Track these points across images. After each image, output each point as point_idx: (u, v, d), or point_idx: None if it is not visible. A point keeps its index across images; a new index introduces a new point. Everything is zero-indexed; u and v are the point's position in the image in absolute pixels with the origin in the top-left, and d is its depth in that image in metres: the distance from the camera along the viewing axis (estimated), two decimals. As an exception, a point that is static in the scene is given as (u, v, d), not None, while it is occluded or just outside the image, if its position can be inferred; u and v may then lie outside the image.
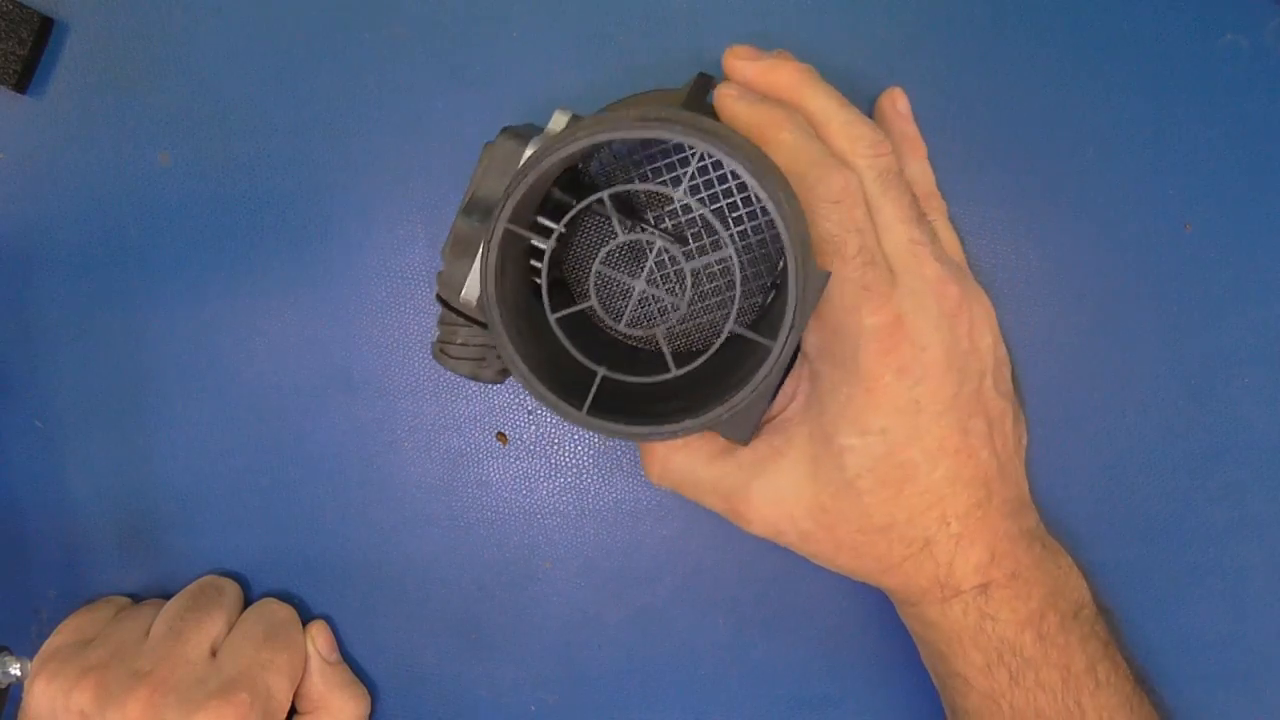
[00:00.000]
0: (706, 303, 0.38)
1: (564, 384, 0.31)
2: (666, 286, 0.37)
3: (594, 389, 0.30)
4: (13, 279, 0.46)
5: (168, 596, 0.44)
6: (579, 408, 0.30)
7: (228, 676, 0.40)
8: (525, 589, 0.45)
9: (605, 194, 0.30)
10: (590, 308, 0.32)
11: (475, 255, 0.34)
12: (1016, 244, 0.43)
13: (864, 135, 0.36)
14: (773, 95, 0.37)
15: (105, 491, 0.46)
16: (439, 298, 0.37)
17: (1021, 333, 0.42)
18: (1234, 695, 0.43)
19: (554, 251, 0.31)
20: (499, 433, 0.45)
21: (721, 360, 0.33)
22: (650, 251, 0.32)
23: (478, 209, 0.34)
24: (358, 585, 0.46)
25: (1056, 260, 0.43)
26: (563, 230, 0.30)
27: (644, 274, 0.31)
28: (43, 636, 0.43)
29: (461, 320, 0.36)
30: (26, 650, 0.45)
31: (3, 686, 0.45)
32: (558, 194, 0.35)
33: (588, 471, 0.45)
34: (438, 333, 0.38)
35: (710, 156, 0.31)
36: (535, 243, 0.31)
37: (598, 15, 0.43)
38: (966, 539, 0.37)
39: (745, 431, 0.36)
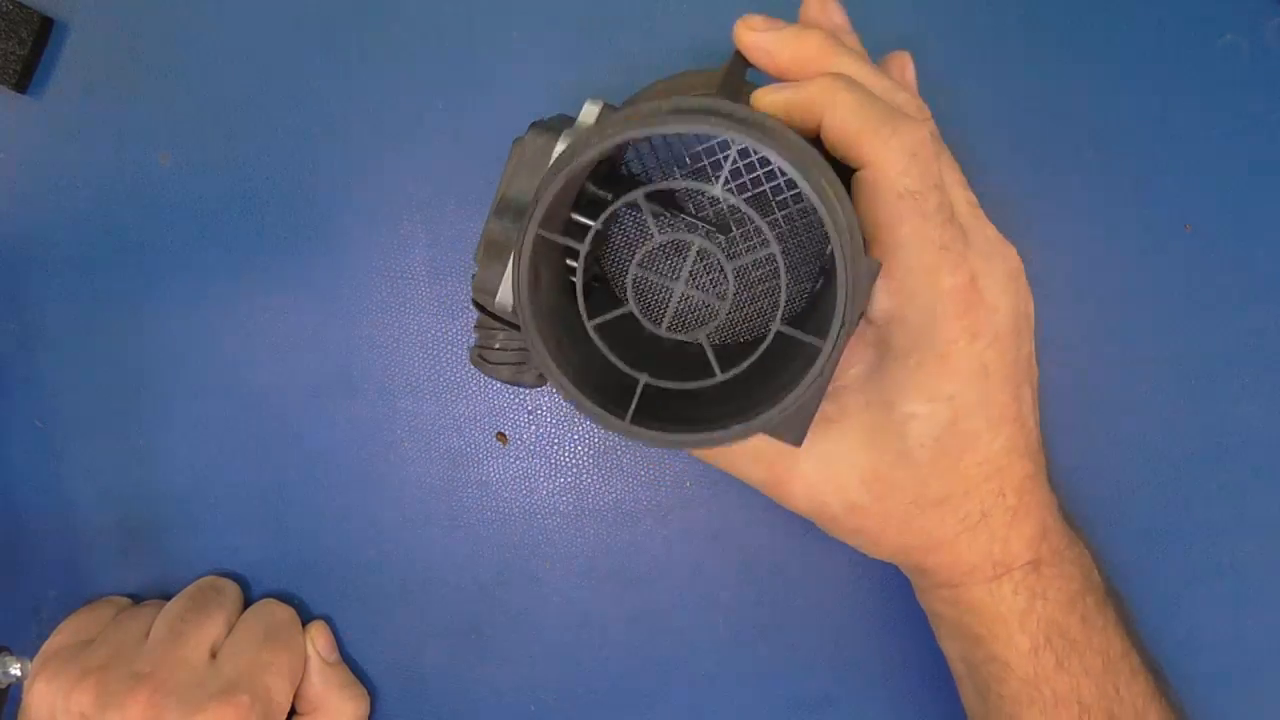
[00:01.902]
0: (753, 292, 0.35)
1: (605, 389, 0.30)
2: (709, 279, 0.35)
3: (636, 397, 0.29)
4: (13, 279, 0.46)
5: (168, 597, 0.44)
6: (621, 417, 0.29)
7: (227, 678, 0.40)
8: (525, 589, 0.45)
9: (639, 194, 0.28)
10: (626, 313, 0.30)
11: (508, 259, 0.33)
12: (1017, 244, 0.43)
13: (908, 100, 0.35)
14: (800, 68, 0.34)
15: (105, 492, 0.46)
16: (475, 303, 0.36)
17: (1021, 333, 0.42)
18: (1234, 695, 0.43)
19: (591, 248, 0.30)
20: (499, 433, 0.45)
21: (770, 357, 0.31)
22: (690, 251, 0.30)
23: (509, 210, 0.33)
24: (358, 585, 0.46)
25: (1056, 260, 0.43)
26: (599, 227, 0.29)
27: (684, 276, 0.30)
28: (43, 636, 0.43)
29: (499, 324, 0.35)
30: (26, 650, 0.45)
31: (3, 686, 0.45)
32: (593, 189, 0.33)
33: (588, 471, 0.45)
34: (475, 338, 0.37)
35: (752, 149, 0.29)
36: (570, 245, 0.29)
37: (597, 15, 0.43)
38: (1021, 512, 0.35)
39: (799, 432, 0.33)
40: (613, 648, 0.45)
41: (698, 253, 0.30)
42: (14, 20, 0.43)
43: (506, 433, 0.45)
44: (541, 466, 0.45)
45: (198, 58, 0.45)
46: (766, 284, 0.35)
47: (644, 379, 0.29)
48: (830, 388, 0.36)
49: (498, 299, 0.34)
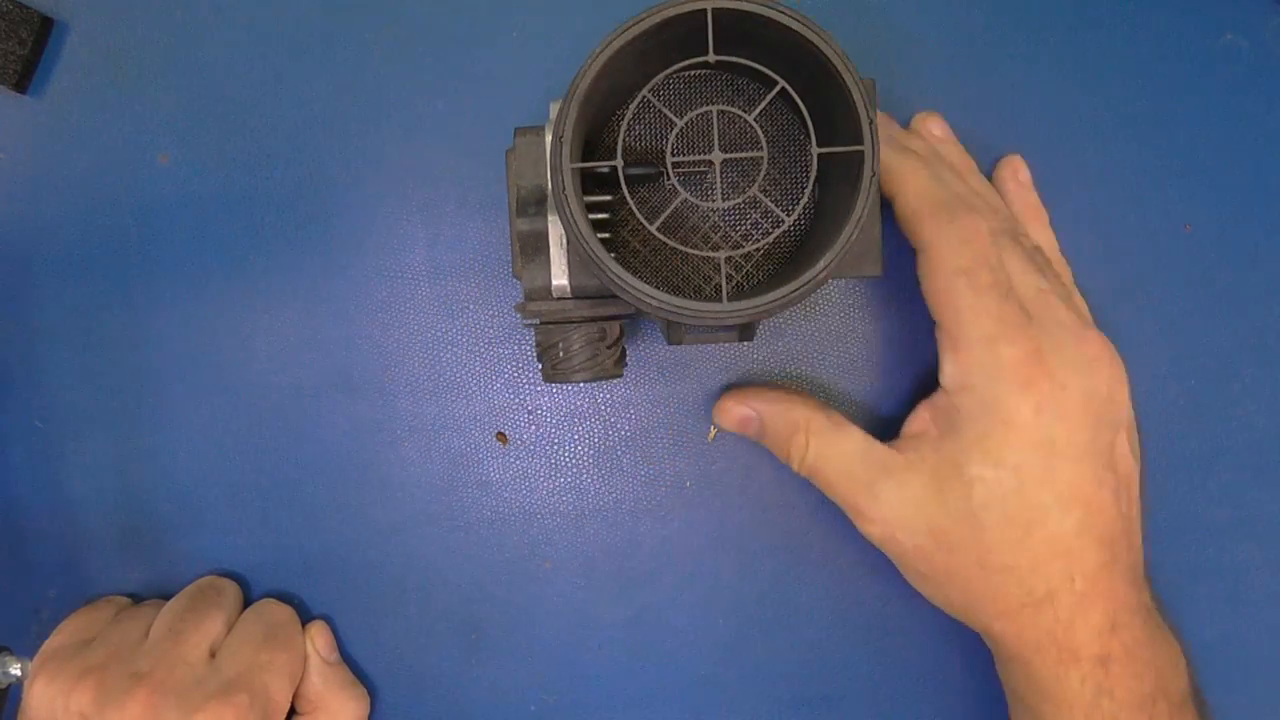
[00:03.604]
0: (783, 143, 0.36)
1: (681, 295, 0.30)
2: (740, 142, 0.35)
3: (723, 273, 0.30)
4: (13, 279, 0.46)
5: (168, 596, 0.44)
6: (718, 300, 0.29)
7: (226, 678, 0.40)
8: (525, 589, 0.45)
9: (646, 91, 0.30)
10: (682, 200, 0.31)
11: (548, 248, 0.34)
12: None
13: (980, 193, 0.40)
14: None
15: (105, 491, 0.46)
16: (529, 325, 0.37)
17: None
18: (1234, 695, 0.43)
19: (604, 222, 0.31)
20: (499, 433, 0.45)
21: (824, 206, 0.32)
22: (713, 118, 0.32)
23: (530, 203, 0.34)
24: (358, 585, 0.46)
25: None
26: (626, 127, 0.30)
27: (716, 143, 0.31)
28: (43, 636, 0.43)
29: (555, 326, 0.36)
30: (26, 650, 0.45)
31: (3, 686, 0.45)
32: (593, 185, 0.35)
33: (588, 471, 0.45)
34: (541, 361, 0.37)
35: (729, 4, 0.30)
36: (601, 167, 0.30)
37: (597, 15, 0.44)
38: (1089, 600, 0.36)
39: (874, 260, 0.34)
40: (613, 648, 0.45)
41: (719, 116, 0.32)
42: (14, 20, 0.43)
43: (506, 433, 0.45)
44: (541, 466, 0.45)
45: (198, 58, 0.45)
46: (791, 134, 0.35)
47: (724, 254, 0.30)
48: (915, 436, 0.38)
49: (554, 284, 0.34)
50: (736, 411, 0.41)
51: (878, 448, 0.39)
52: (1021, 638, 0.36)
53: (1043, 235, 0.42)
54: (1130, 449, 0.39)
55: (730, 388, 0.44)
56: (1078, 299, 0.41)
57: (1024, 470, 0.35)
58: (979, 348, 0.35)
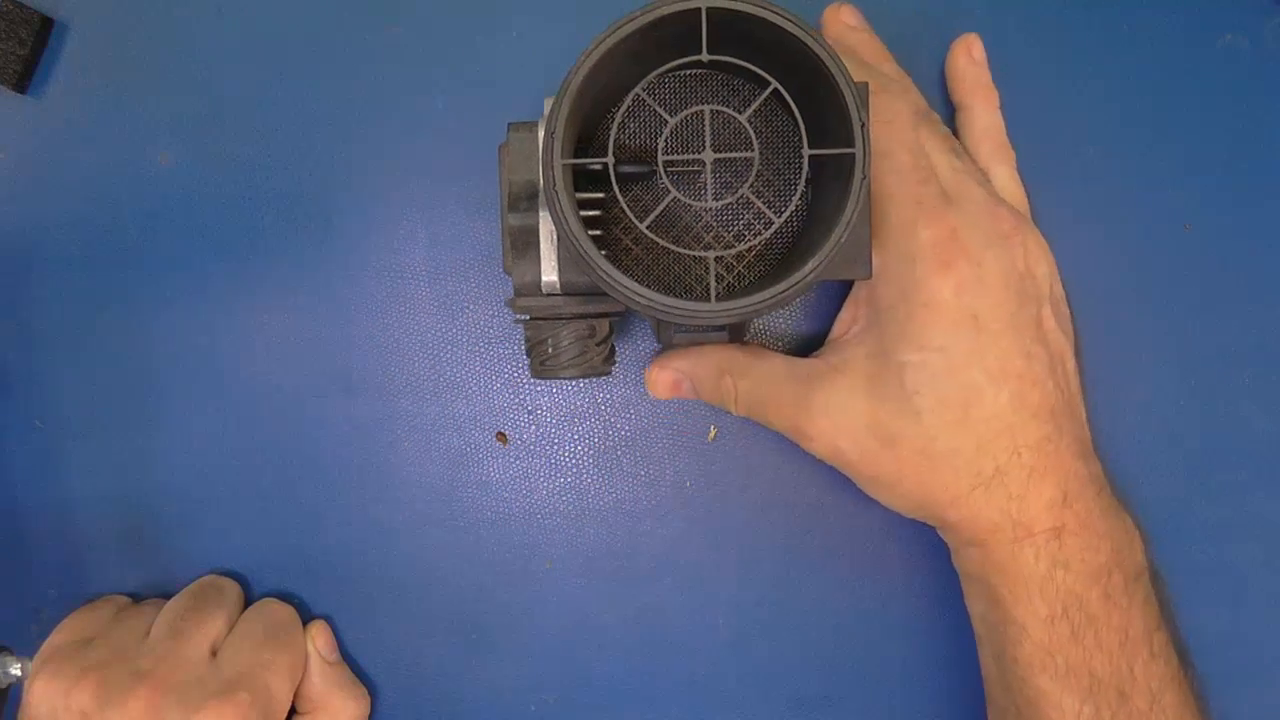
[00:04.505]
0: (775, 145, 0.36)
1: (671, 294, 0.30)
2: (732, 142, 0.35)
3: (713, 273, 0.30)
4: (13, 279, 0.46)
5: (168, 596, 0.44)
6: (707, 300, 0.29)
7: (228, 676, 0.40)
8: (525, 589, 0.45)
9: (639, 89, 0.31)
10: (673, 199, 0.31)
11: (539, 243, 0.34)
12: (1016, 244, 0.43)
13: (893, 71, 0.39)
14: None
15: (105, 491, 0.46)
16: (520, 321, 0.37)
17: (1021, 333, 0.42)
18: (1234, 695, 0.43)
19: (596, 220, 0.31)
20: (499, 433, 0.45)
21: (815, 209, 0.32)
22: (705, 118, 0.32)
23: (521, 198, 0.34)
24: (358, 585, 0.46)
25: (1056, 260, 0.43)
26: (623, 115, 0.30)
27: (708, 142, 0.31)
28: (43, 636, 0.43)
29: (545, 322, 0.36)
30: (27, 650, 0.45)
31: (3, 686, 0.45)
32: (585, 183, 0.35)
33: (588, 471, 0.45)
34: (530, 356, 0.37)
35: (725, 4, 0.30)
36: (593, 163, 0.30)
37: (597, 14, 0.43)
38: (1039, 473, 0.36)
39: (864, 263, 0.33)
40: (613, 648, 0.45)
41: (711, 115, 0.32)
42: (14, 20, 0.43)
43: (506, 433, 0.45)
44: (541, 466, 0.45)
45: (198, 58, 0.45)
46: (784, 135, 0.36)
47: (713, 254, 0.30)
48: (837, 341, 0.39)
49: (544, 281, 0.34)
50: (663, 378, 0.41)
51: (801, 363, 0.39)
52: (977, 521, 0.36)
53: (990, 117, 0.41)
54: (1058, 324, 0.39)
55: (654, 357, 0.43)
56: (1014, 187, 0.41)
57: (951, 350, 0.35)
58: (897, 233, 0.35)
